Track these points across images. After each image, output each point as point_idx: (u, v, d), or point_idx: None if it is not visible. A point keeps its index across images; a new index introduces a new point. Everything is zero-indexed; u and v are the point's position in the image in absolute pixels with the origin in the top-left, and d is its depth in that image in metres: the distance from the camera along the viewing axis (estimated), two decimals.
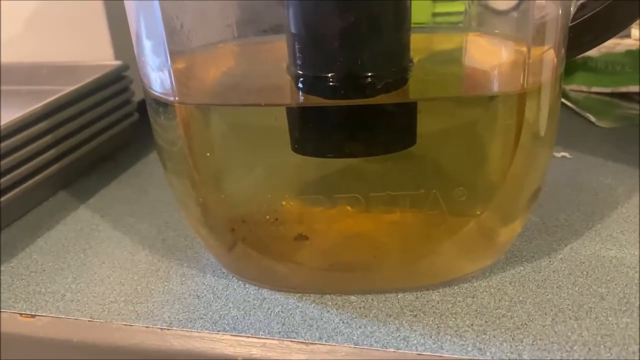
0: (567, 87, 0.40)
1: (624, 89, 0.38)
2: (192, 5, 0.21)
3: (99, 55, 0.37)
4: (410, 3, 0.19)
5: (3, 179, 0.27)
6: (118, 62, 0.36)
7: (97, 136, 0.34)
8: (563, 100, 0.38)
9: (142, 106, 0.37)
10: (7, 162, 0.27)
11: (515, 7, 0.21)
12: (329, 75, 0.19)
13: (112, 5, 0.36)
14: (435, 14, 0.26)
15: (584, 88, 0.40)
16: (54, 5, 0.36)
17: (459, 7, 0.25)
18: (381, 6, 0.18)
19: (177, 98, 0.20)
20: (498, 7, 0.22)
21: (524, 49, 0.20)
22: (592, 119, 0.36)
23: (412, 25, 0.20)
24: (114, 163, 0.35)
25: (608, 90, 0.39)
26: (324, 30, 0.18)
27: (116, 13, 0.36)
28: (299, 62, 0.20)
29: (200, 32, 0.22)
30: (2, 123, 0.28)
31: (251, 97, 0.21)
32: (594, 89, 0.39)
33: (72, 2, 0.36)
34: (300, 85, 0.20)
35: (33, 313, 0.22)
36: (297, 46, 0.19)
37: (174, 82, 0.20)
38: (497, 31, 0.23)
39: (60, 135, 0.31)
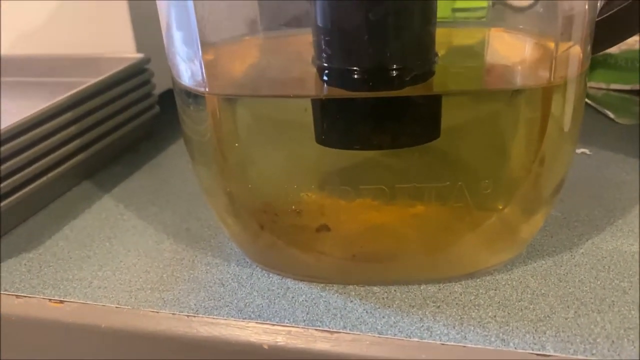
0: (587, 85, 0.40)
1: None
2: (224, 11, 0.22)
3: (121, 48, 0.37)
4: None
5: (29, 169, 0.28)
6: (140, 55, 0.36)
7: (119, 127, 0.34)
8: None
9: (162, 99, 0.38)
10: (33, 152, 0.28)
11: (536, 2, 0.21)
12: (357, 67, 0.19)
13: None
14: (455, 10, 0.26)
15: (603, 85, 0.40)
16: None
17: (479, 3, 0.25)
18: (414, 8, 0.19)
19: (207, 89, 0.20)
20: (518, 4, 0.23)
21: (551, 43, 0.20)
22: (612, 115, 0.36)
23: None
24: (136, 154, 0.35)
25: (628, 87, 0.39)
26: (353, 23, 0.19)
27: (139, 6, 0.37)
28: (326, 54, 0.20)
29: (226, 25, 0.23)
30: (28, 114, 0.28)
31: (279, 89, 0.21)
32: (613, 86, 0.39)
33: None
34: (326, 77, 0.20)
35: (61, 299, 0.22)
36: (324, 39, 0.19)
37: (204, 73, 0.20)
38: (521, 27, 0.23)
39: (84, 127, 0.31)
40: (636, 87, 0.38)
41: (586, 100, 0.38)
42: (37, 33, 0.38)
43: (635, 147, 0.31)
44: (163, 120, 0.38)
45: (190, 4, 0.20)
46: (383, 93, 0.20)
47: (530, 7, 0.22)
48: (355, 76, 0.19)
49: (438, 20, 0.20)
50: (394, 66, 0.19)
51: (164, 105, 0.37)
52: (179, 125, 0.23)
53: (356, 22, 0.19)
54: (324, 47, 0.20)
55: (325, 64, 0.20)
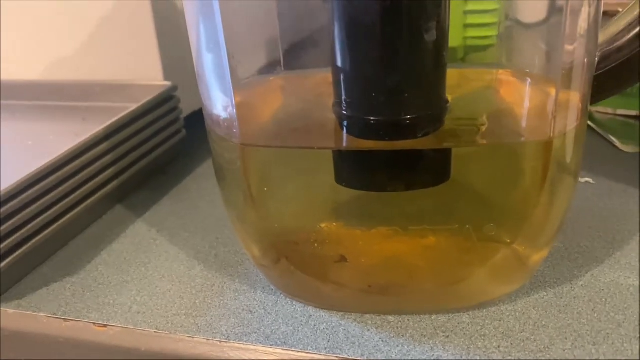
0: (593, 109, 0.41)
1: None
2: (246, 40, 0.24)
3: (149, 74, 0.39)
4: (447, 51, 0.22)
5: (72, 196, 0.30)
6: (168, 83, 0.38)
7: (149, 153, 0.36)
8: (588, 122, 0.40)
9: (186, 121, 0.40)
10: (75, 181, 0.30)
11: (545, 32, 0.23)
12: (374, 120, 0.21)
13: (162, 29, 0.39)
14: (466, 38, 0.28)
15: (609, 110, 0.41)
16: (109, 28, 0.39)
17: (489, 32, 0.27)
18: (425, 61, 0.21)
19: (239, 140, 0.22)
20: (527, 21, 0.24)
21: (552, 94, 0.22)
22: (617, 143, 0.37)
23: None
24: (164, 177, 0.37)
25: (634, 113, 0.40)
26: (372, 83, 0.21)
27: (166, 36, 0.39)
28: (345, 106, 0.22)
29: (252, 64, 0.25)
30: (67, 144, 0.30)
31: (303, 140, 0.23)
32: (620, 112, 0.41)
33: (125, 26, 0.39)
34: (345, 126, 0.22)
35: (105, 323, 0.25)
36: (345, 96, 0.21)
37: (237, 127, 0.22)
38: (527, 70, 0.25)
39: (118, 155, 0.34)
40: None
41: (592, 125, 0.39)
42: (69, 60, 0.41)
43: (637, 176, 0.33)
44: (188, 143, 0.40)
45: (225, 55, 0.22)
46: (398, 144, 0.22)
47: (538, 24, 0.23)
48: (374, 128, 0.21)
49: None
50: (408, 121, 0.21)
51: (188, 127, 0.40)
52: (202, 148, 0.25)
53: (375, 82, 0.21)
54: (344, 101, 0.22)
55: (345, 113, 0.22)
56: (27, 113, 0.41)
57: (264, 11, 0.25)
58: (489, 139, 0.22)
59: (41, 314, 0.25)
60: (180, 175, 0.38)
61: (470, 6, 0.28)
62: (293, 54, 0.25)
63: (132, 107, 0.35)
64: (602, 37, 0.24)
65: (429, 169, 0.23)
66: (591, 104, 0.23)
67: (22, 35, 0.41)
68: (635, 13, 0.26)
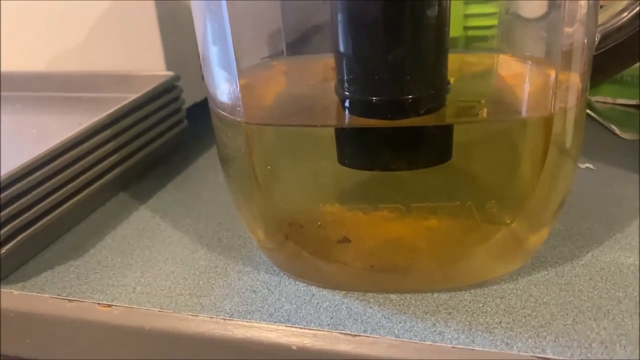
0: (593, 99, 0.42)
1: None
2: (250, 26, 0.24)
3: (152, 65, 0.40)
4: (449, 31, 0.22)
5: (75, 182, 0.30)
6: (171, 73, 0.38)
7: (152, 142, 0.37)
8: (588, 111, 0.40)
9: (188, 112, 0.40)
10: (78, 166, 0.31)
11: (545, 16, 0.23)
12: (376, 99, 0.22)
13: (165, 20, 0.39)
14: (466, 28, 0.28)
15: (609, 100, 0.41)
16: (112, 20, 0.39)
17: (490, 21, 0.28)
18: (426, 40, 0.21)
19: (243, 119, 0.23)
20: (527, 15, 0.25)
21: (552, 74, 0.22)
22: (617, 130, 0.37)
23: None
24: (167, 166, 0.38)
25: (633, 102, 0.41)
26: (373, 62, 0.21)
27: (169, 28, 0.39)
28: (348, 86, 0.22)
29: (256, 51, 0.25)
30: (71, 133, 0.31)
31: (306, 119, 0.23)
32: (619, 101, 0.41)
33: (129, 19, 0.39)
34: (347, 106, 0.22)
35: (109, 303, 0.25)
36: (347, 77, 0.22)
37: (241, 105, 0.22)
38: (527, 54, 0.25)
39: (121, 142, 0.34)
40: None
41: (592, 114, 0.40)
42: (73, 51, 0.41)
43: (637, 163, 0.33)
44: (190, 133, 0.40)
45: (229, 39, 0.22)
46: (400, 122, 0.22)
47: (538, 19, 0.24)
48: (376, 107, 0.22)
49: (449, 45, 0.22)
50: (410, 99, 0.21)
51: (189, 118, 0.40)
52: (204, 138, 0.25)
53: (376, 62, 0.21)
54: (346, 81, 0.22)
55: (347, 94, 0.22)
56: (31, 104, 0.41)
57: (268, 3, 0.25)
58: (491, 115, 0.22)
59: (46, 295, 0.26)
60: (183, 165, 0.38)
61: None
62: (296, 45, 0.25)
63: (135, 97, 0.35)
64: (603, 17, 0.24)
65: (430, 148, 0.23)
66: (592, 85, 0.23)
67: (26, 27, 0.42)
68: None
